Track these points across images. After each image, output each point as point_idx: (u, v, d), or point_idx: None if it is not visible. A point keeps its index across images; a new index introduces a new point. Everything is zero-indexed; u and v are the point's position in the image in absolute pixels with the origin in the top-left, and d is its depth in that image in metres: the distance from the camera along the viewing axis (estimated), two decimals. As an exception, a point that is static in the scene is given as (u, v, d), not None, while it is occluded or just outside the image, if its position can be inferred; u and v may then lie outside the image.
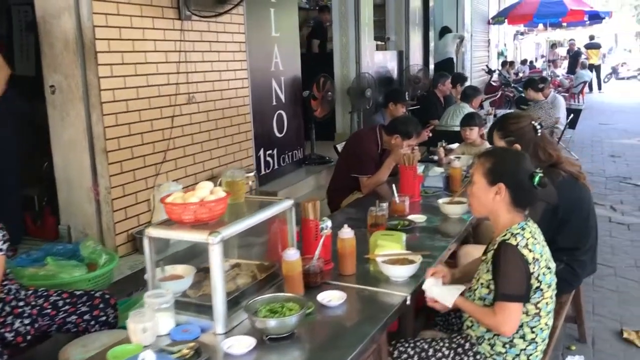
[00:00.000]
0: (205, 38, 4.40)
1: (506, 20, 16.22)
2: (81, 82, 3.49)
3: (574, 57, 19.18)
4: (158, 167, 3.95)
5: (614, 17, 27.78)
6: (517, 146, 2.79)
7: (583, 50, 19.74)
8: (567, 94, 15.75)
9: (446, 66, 11.08)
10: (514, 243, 1.96)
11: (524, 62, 18.55)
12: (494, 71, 11.10)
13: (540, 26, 18.21)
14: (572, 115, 7.80)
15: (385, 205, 3.03)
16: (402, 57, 9.76)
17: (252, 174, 4.42)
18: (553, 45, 21.84)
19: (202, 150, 4.41)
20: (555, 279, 2.12)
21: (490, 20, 16.97)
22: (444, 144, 5.49)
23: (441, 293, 2.13)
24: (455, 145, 5.12)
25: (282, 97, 5.59)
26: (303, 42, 9.89)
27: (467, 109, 6.56)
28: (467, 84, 8.65)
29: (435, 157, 4.76)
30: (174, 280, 2.01)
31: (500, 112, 9.96)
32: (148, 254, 1.95)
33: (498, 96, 10.88)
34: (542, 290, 1.99)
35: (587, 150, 9.08)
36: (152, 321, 1.81)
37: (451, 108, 6.69)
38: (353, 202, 3.92)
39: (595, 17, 16.41)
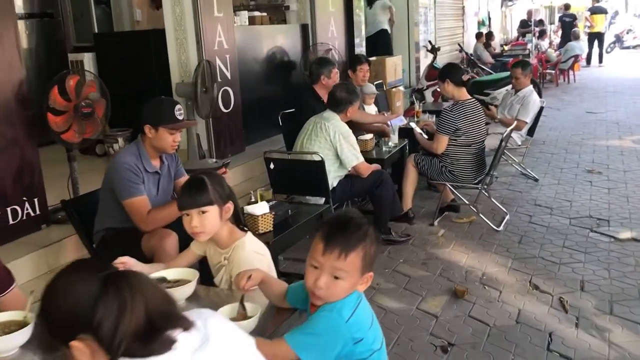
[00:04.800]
0: None
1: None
2: None
3: (522, 26, 16.79)
4: None
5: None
6: None
7: (587, 14, 16.78)
8: (553, 71, 13.13)
9: (379, 40, 8.55)
10: None
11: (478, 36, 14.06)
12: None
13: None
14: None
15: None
16: (308, 34, 7.18)
17: None
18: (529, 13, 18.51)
19: None
20: None
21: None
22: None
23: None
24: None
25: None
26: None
27: (337, 122, 4.03)
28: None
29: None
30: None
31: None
32: None
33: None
34: None
35: (556, 161, 6.45)
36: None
37: (311, 120, 4.11)
38: None
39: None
